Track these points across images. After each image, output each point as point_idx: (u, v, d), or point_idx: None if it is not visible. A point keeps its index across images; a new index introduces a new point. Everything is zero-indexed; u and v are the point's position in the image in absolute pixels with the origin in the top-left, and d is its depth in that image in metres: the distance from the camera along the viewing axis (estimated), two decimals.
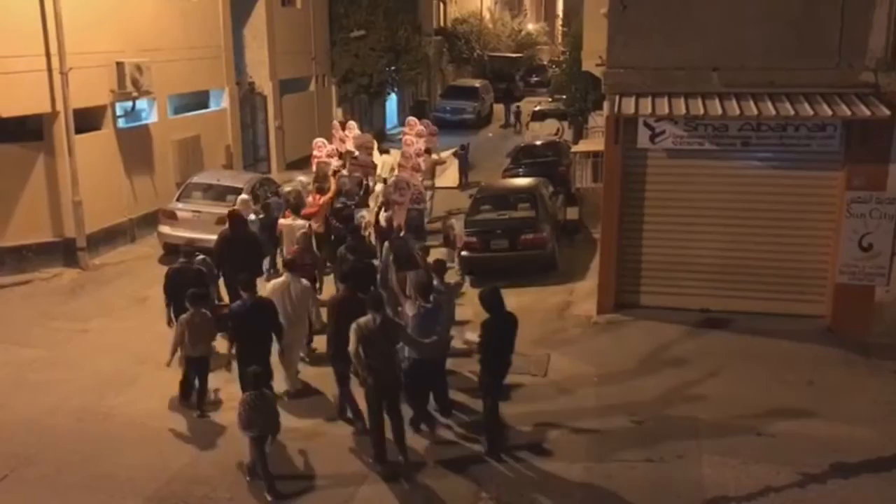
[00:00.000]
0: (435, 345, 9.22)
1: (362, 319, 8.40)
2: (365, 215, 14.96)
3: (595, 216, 15.79)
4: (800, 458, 8.58)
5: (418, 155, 18.59)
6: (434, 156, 19.76)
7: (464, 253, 15.01)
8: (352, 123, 20.66)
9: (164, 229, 16.07)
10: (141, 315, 13.50)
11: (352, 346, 8.40)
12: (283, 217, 14.09)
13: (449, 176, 22.37)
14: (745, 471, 8.40)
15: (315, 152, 18.55)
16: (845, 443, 8.84)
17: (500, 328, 8.76)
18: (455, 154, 22.89)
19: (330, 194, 15.14)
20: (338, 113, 28.34)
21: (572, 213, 17.39)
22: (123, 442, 9.37)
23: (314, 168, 17.44)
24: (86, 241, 15.53)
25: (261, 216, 14.53)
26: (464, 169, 23.10)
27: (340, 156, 18.43)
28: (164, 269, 15.55)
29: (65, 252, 15.48)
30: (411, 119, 20.71)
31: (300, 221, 13.74)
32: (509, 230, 14.91)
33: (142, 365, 11.34)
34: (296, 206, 14.16)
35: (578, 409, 9.97)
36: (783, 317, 11.92)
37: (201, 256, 11.44)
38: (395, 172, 17.35)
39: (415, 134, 19.52)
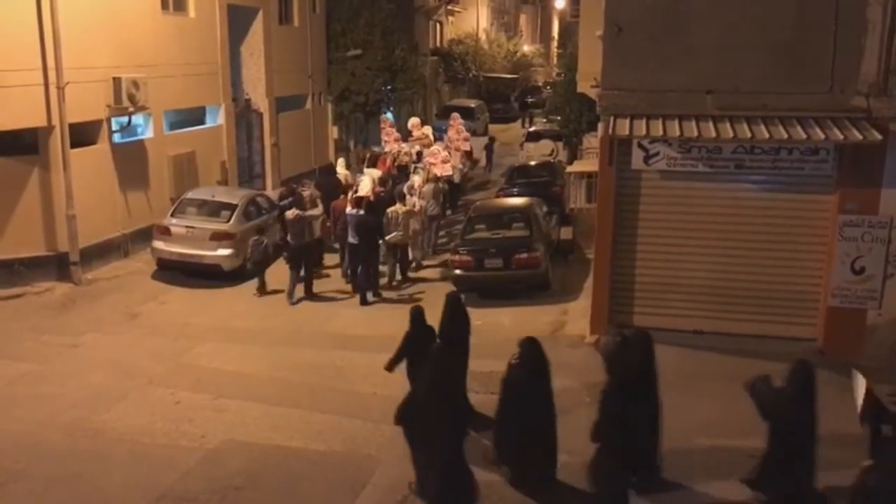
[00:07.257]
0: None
1: (289, 213, 15.34)
2: (416, 179, 18.51)
3: (589, 236, 15.80)
4: None
5: (466, 139, 24.10)
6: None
7: (458, 271, 15.06)
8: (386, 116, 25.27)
9: (158, 244, 16.09)
10: (132, 330, 13.46)
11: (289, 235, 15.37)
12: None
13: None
14: (739, 493, 8.36)
15: (384, 137, 23.45)
16: (839, 466, 8.82)
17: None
18: (485, 146, 30.94)
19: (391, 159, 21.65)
20: (333, 130, 28.52)
21: (566, 233, 17.42)
22: (113, 458, 9.31)
23: (387, 149, 23.05)
24: (79, 256, 15.49)
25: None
26: (489, 157, 30.64)
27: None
28: (157, 284, 15.76)
29: (58, 266, 15.44)
30: (455, 114, 25.56)
31: (376, 171, 19.56)
32: (503, 249, 14.93)
33: (132, 380, 11.30)
34: (373, 161, 21.36)
35: (570, 430, 9.93)
36: (776, 339, 11.94)
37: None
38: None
39: (458, 123, 24.15)
